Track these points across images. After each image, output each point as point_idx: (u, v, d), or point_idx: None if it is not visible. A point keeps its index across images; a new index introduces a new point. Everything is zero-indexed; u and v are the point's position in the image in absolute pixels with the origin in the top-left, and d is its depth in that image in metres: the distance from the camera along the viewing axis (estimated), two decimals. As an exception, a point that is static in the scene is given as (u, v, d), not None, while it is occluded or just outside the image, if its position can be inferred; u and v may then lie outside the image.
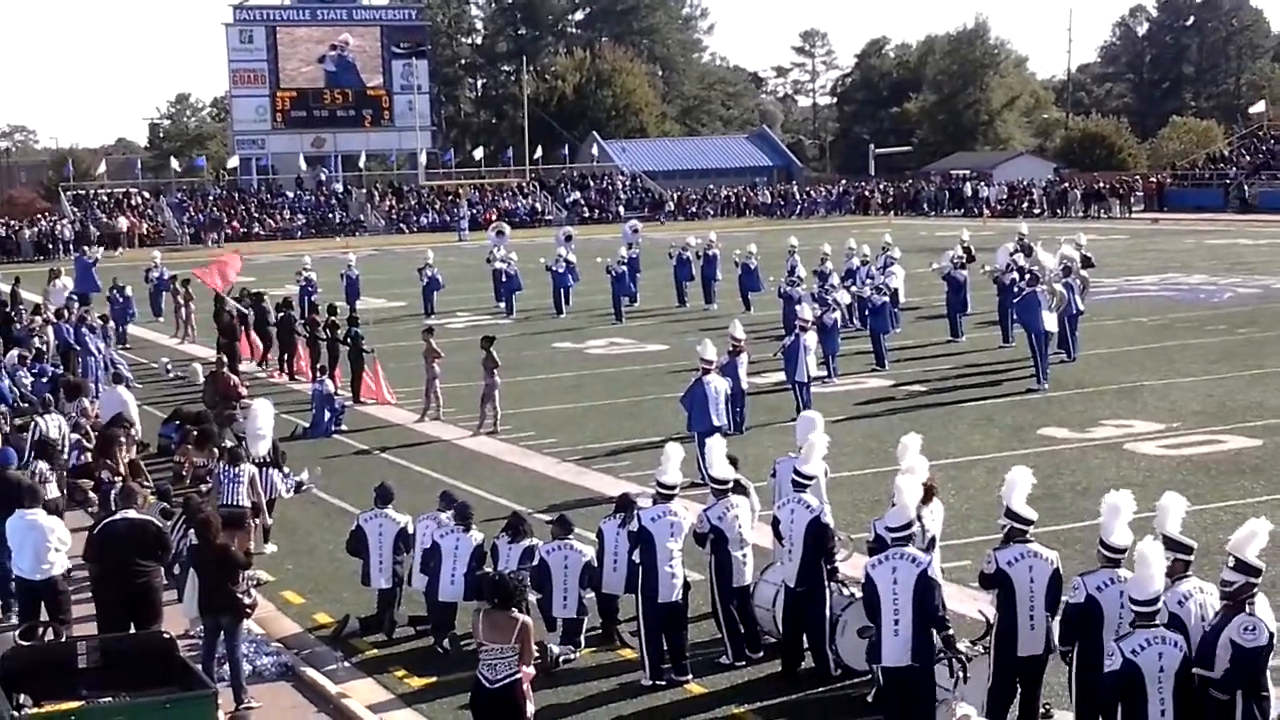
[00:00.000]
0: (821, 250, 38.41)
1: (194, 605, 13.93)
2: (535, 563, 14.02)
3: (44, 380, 26.45)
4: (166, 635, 11.81)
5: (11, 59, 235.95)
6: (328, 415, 25.91)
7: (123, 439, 20.73)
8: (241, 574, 13.53)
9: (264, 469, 18.67)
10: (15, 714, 10.08)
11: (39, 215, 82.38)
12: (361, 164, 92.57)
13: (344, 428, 25.93)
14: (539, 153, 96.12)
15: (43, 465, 18.24)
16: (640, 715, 12.72)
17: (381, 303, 44.89)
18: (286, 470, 20.48)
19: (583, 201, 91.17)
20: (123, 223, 79.09)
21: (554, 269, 42.31)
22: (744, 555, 13.68)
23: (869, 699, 12.34)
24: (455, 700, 12.85)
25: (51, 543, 14.13)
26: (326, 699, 13.37)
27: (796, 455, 14.39)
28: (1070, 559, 15.18)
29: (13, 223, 79.34)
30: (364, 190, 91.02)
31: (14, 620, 14.67)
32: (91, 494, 19.90)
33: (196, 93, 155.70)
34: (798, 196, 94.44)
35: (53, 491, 17.75)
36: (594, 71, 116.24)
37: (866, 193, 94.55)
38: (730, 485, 13.84)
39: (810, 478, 13.45)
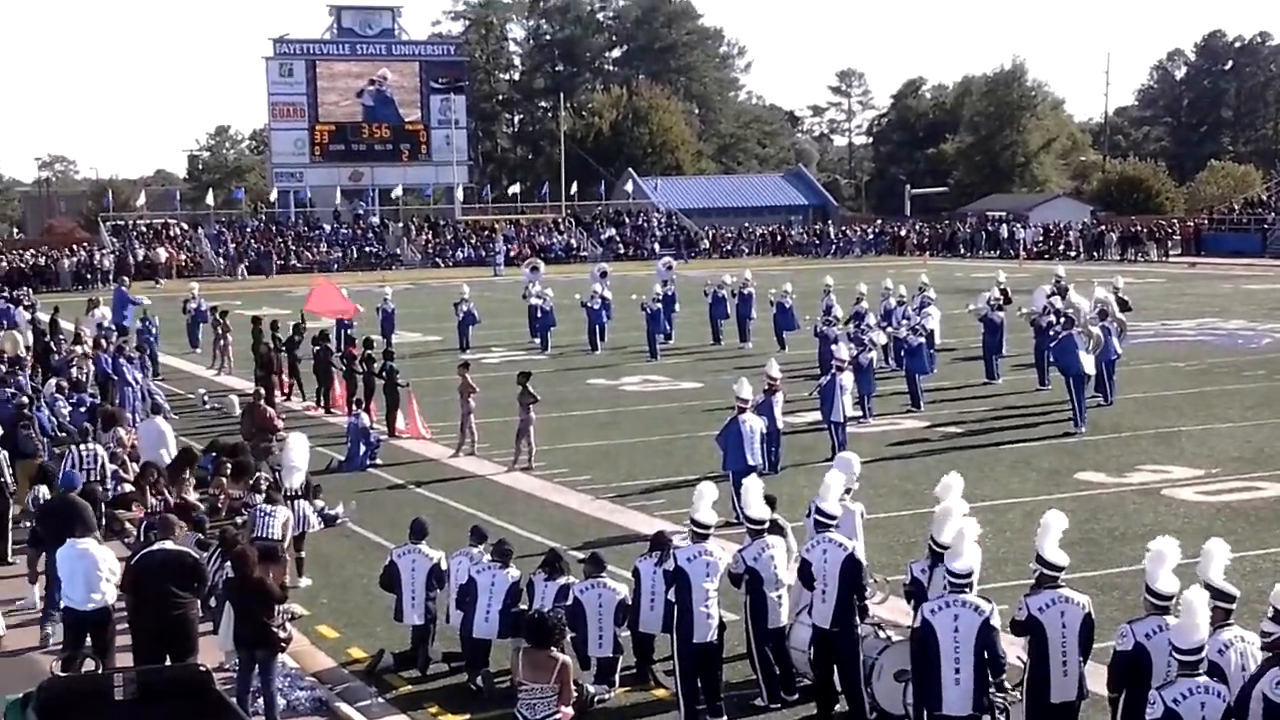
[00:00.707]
0: (857, 290, 38.36)
1: (229, 638, 13.94)
2: (569, 602, 13.99)
3: (82, 410, 26.59)
4: (202, 668, 11.78)
5: (53, 90, 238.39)
6: (363, 449, 25.96)
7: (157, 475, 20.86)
8: (277, 607, 13.54)
9: (295, 501, 18.71)
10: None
11: (78, 245, 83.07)
12: (398, 197, 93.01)
13: (379, 462, 25.96)
14: (575, 189, 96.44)
15: (42, 489, 18.91)
16: (674, 756, 12.67)
17: (417, 337, 45.03)
18: (320, 504, 20.55)
19: (618, 238, 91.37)
20: (161, 254, 79.63)
21: (589, 305, 42.38)
22: (779, 596, 13.61)
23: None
24: (489, 738, 12.82)
25: (102, 572, 14.13)
26: (360, 734, 13.35)
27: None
28: (1107, 605, 15.10)
29: (52, 252, 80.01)
30: (400, 224, 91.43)
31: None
32: (129, 525, 19.98)
33: (236, 125, 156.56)
34: (833, 236, 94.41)
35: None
36: (631, 109, 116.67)
37: (902, 233, 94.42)
38: (766, 525, 13.78)
39: (832, 517, 13.34)
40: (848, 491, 14.77)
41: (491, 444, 26.63)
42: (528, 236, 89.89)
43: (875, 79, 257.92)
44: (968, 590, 10.98)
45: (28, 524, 20.18)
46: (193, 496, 21.11)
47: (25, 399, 25.04)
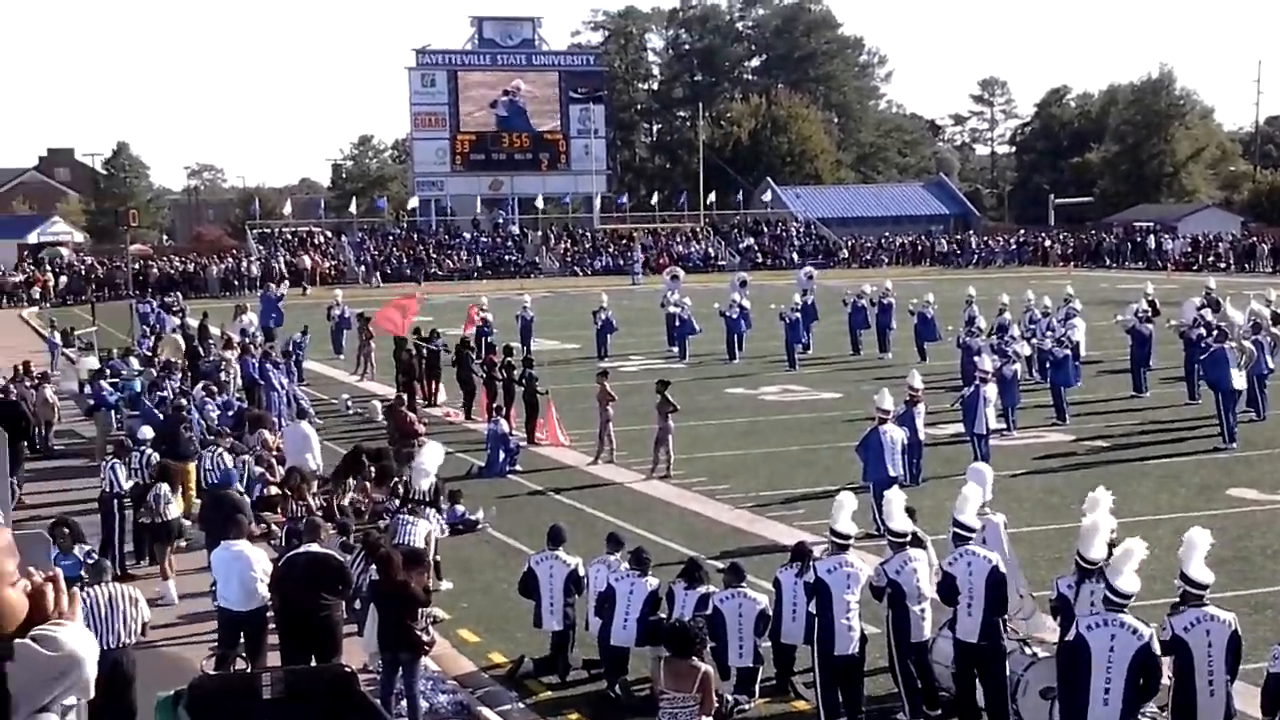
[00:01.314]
0: (1000, 301, 37.86)
1: (373, 640, 14.09)
2: (709, 611, 13.92)
3: (229, 413, 27.13)
4: (347, 668, 11.94)
5: (203, 101, 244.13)
6: (503, 455, 26.15)
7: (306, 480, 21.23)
8: (420, 611, 13.67)
9: (421, 505, 18.89)
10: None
11: (226, 252, 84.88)
12: (539, 206, 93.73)
13: (518, 468, 26.14)
14: (713, 198, 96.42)
15: (164, 488, 19.65)
16: (814, 769, 12.56)
17: (555, 344, 45.29)
18: (459, 509, 20.76)
19: (756, 247, 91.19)
20: (306, 261, 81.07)
21: (728, 314, 42.30)
22: (922, 610, 13.43)
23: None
24: (628, 746, 12.81)
25: (256, 573, 14.38)
26: (501, 739, 13.42)
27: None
28: (1260, 624, 14.70)
29: (200, 259, 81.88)
30: (539, 233, 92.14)
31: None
32: (275, 527, 20.33)
33: (379, 135, 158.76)
34: (975, 246, 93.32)
35: (173, 512, 19.49)
36: (770, 118, 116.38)
37: (1045, 243, 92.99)
38: (909, 538, 13.61)
39: (971, 529, 13.13)
40: (985, 504, 14.54)
41: (629, 452, 26.68)
42: (665, 245, 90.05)
43: (1018, 87, 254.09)
44: (1125, 610, 10.74)
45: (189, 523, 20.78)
46: (348, 499, 21.48)
47: (183, 402, 25.61)
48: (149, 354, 35.67)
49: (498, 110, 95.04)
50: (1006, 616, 13.14)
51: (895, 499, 14.00)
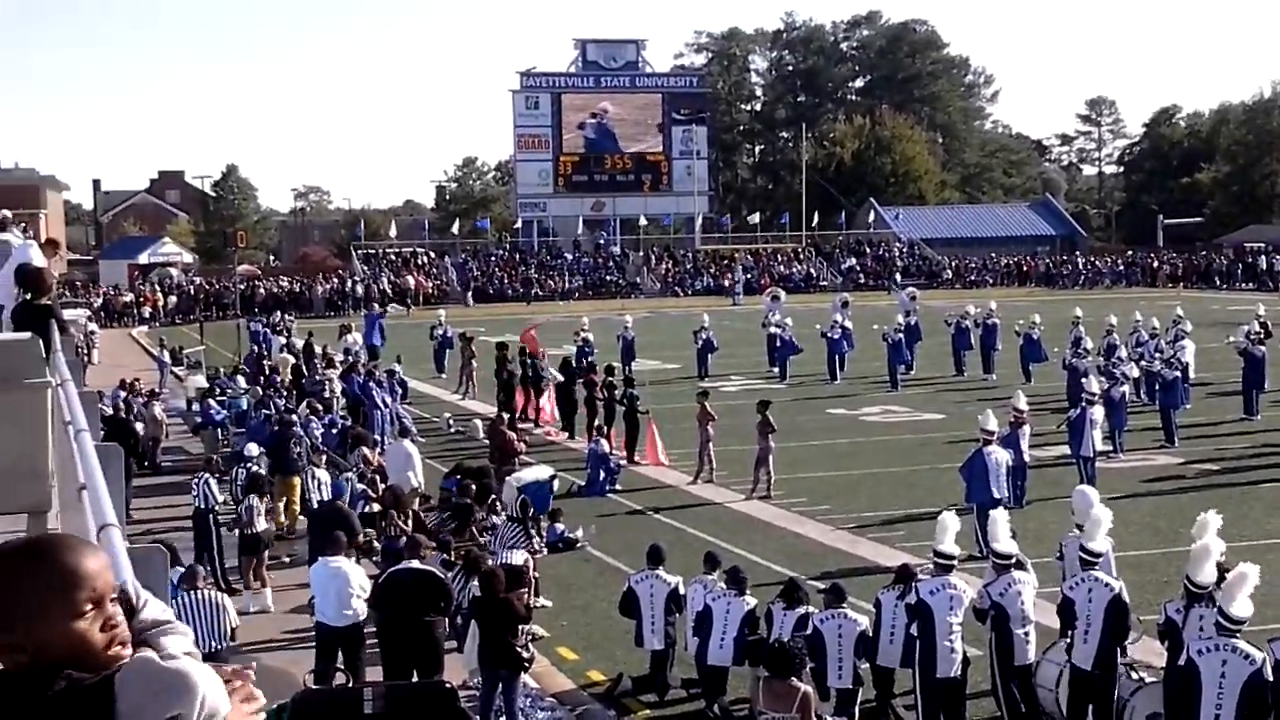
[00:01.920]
0: (1107, 322, 37.32)
1: (474, 656, 14.14)
2: (809, 631, 13.81)
3: (334, 431, 27.41)
4: (448, 684, 11.96)
5: (309, 124, 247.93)
6: (603, 475, 26.18)
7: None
8: (520, 628, 13.70)
9: (522, 522, 18.93)
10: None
11: (331, 273, 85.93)
12: (641, 227, 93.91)
13: (619, 487, 26.15)
14: (815, 219, 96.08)
15: (254, 499, 19.99)
16: (915, 793, 12.40)
17: (656, 364, 45.29)
18: (559, 527, 20.79)
19: (858, 268, 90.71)
20: (410, 281, 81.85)
21: (829, 335, 42.08)
22: (1026, 633, 13.24)
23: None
24: (726, 766, 12.72)
25: (353, 590, 14.51)
26: (599, 757, 13.39)
27: (1079, 534, 13.93)
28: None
29: (306, 279, 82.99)
30: (640, 253, 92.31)
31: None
32: (375, 543, 20.49)
33: (482, 156, 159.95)
34: (1081, 266, 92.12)
35: (261, 524, 19.80)
36: (873, 138, 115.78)
37: (1154, 264, 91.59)
38: (1014, 560, 13.43)
39: (1098, 555, 12.97)
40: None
41: (729, 471, 26.60)
42: (766, 266, 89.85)
43: (1127, 106, 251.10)
44: (1239, 635, 10.50)
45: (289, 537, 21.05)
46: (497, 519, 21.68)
47: (292, 418, 25.93)
48: (261, 369, 36.13)
49: (607, 131, 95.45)
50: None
51: (1000, 520, 13.84)
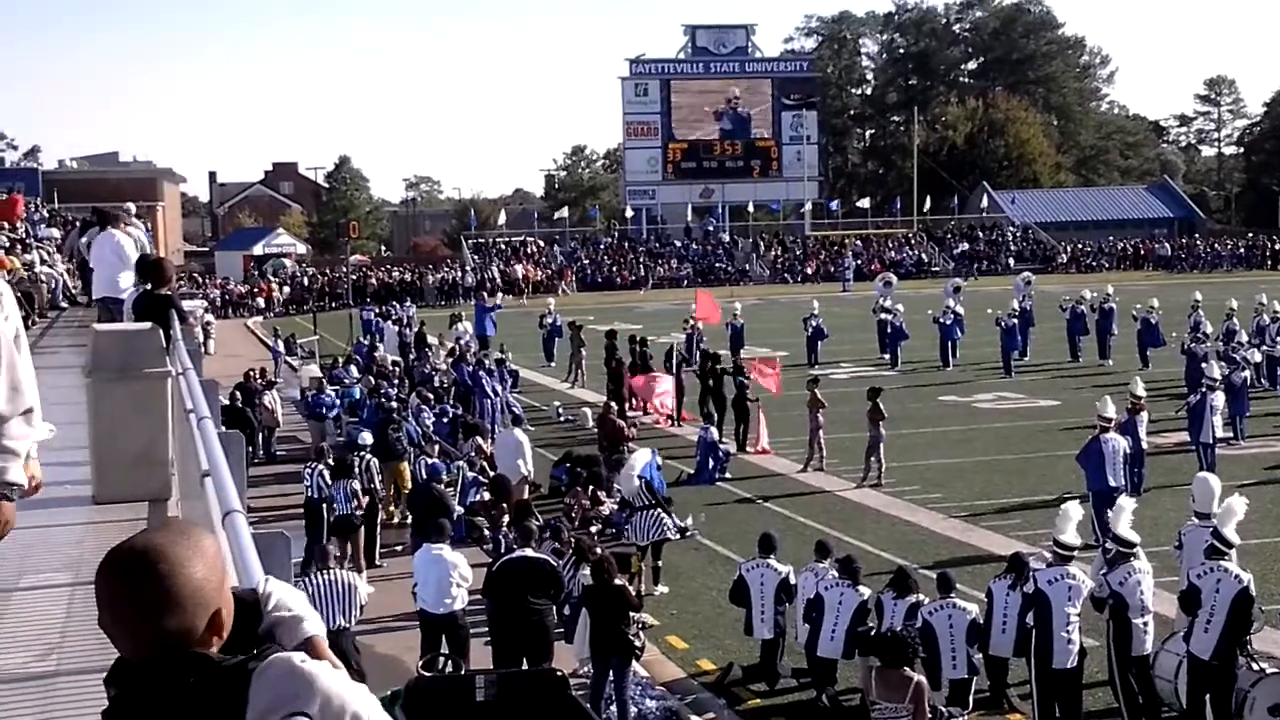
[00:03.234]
0: (1228, 306, 36.59)
1: (584, 645, 14.17)
2: (919, 624, 13.64)
3: (444, 420, 27.60)
4: (559, 672, 12.03)
5: (420, 115, 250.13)
6: (712, 463, 26.13)
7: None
8: (632, 615, 13.71)
9: (653, 510, 18.99)
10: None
11: (442, 262, 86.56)
12: (750, 213, 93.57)
13: (728, 475, 26.09)
14: (927, 203, 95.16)
15: (343, 482, 20.11)
16: (1030, 785, 12.25)
17: (765, 351, 45.07)
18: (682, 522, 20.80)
19: (971, 253, 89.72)
20: (519, 270, 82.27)
21: (941, 321, 41.67)
22: (1145, 623, 13.02)
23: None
24: (838, 756, 12.65)
25: (454, 578, 14.61)
26: (710, 746, 13.38)
27: (1199, 523, 13.69)
28: None
29: (418, 268, 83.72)
30: (750, 240, 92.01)
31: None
32: (487, 532, 20.65)
33: (591, 145, 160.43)
34: (1200, 250, 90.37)
35: (349, 506, 19.80)
36: (986, 121, 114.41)
37: (1275, 246, 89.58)
38: (1135, 549, 13.20)
39: (1231, 545, 12.70)
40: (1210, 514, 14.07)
41: (840, 459, 26.44)
42: (877, 251, 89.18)
43: (1246, 86, 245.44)
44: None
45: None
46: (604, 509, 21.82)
47: (394, 405, 26.19)
48: (372, 359, 36.49)
49: (716, 117, 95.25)
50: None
51: (1126, 508, 13.60)
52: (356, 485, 20.15)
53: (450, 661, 12.81)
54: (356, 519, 19.99)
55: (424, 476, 21.18)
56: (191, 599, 2.61)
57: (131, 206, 20.88)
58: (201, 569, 2.63)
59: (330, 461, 21.00)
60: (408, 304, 55.80)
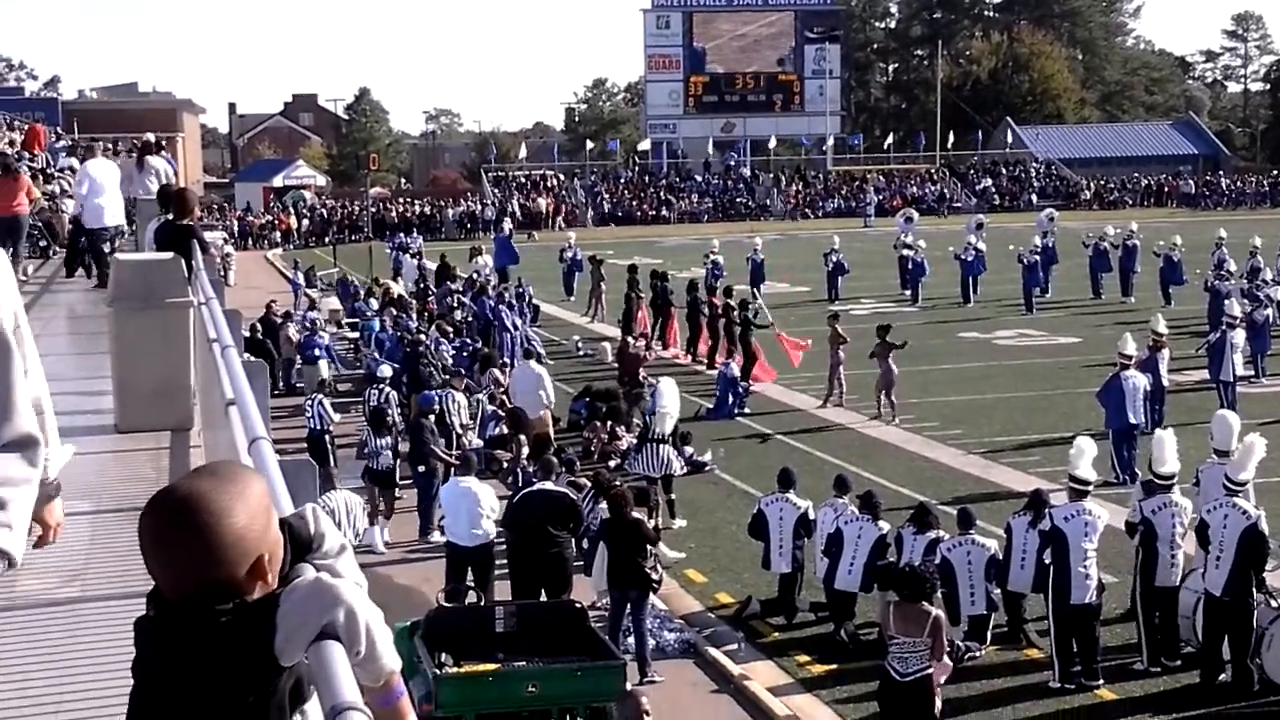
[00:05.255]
0: (1251, 243, 36.39)
1: (603, 578, 14.24)
2: (938, 560, 13.66)
3: (464, 354, 27.62)
4: (577, 604, 12.11)
5: (441, 46, 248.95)
6: (731, 398, 26.11)
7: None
8: (650, 549, 13.78)
9: (659, 445, 18.97)
10: (438, 671, 10.52)
11: (461, 195, 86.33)
12: (770, 148, 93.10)
13: (747, 410, 26.09)
14: (950, 139, 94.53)
15: (378, 439, 19.37)
16: (1047, 718, 12.31)
17: (785, 287, 45.00)
18: (689, 450, 20.78)
19: (994, 189, 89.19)
20: (540, 204, 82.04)
21: (963, 257, 41.47)
22: (1173, 556, 13.06)
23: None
24: (855, 689, 12.74)
25: (483, 509, 14.67)
26: (728, 679, 13.47)
27: (1217, 460, 13.70)
28: None
29: (438, 202, 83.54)
30: (771, 175, 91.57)
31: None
32: (506, 464, 20.69)
33: (612, 78, 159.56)
34: (1225, 187, 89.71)
35: (387, 461, 18.85)
36: (1010, 56, 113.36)
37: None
38: (1173, 481, 13.22)
39: (1243, 484, 12.70)
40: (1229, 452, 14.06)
41: (860, 395, 26.42)
42: (899, 187, 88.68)
43: (1274, 22, 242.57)
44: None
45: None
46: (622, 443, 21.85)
47: (421, 337, 26.15)
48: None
49: (738, 51, 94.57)
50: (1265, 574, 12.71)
51: (1168, 441, 13.55)
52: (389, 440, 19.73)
53: (472, 593, 12.90)
54: (396, 478, 19.53)
55: (460, 417, 21.16)
56: (233, 549, 2.59)
57: (151, 137, 20.82)
58: (244, 517, 2.61)
59: (329, 392, 21.16)
60: (414, 235, 55.77)
